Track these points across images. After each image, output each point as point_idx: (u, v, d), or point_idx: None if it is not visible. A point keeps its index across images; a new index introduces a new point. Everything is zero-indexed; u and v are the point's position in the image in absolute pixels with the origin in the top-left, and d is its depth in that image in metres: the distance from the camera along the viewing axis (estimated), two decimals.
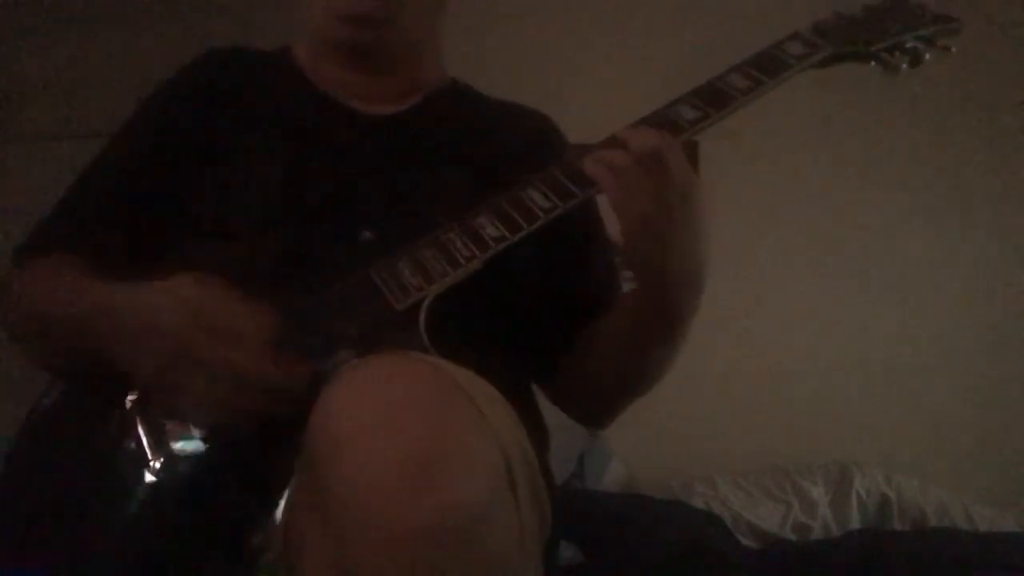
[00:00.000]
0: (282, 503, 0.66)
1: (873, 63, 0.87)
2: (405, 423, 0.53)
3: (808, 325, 2.49)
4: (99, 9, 2.80)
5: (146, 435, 0.73)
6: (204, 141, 0.90)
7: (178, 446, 0.72)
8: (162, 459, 0.72)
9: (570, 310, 0.95)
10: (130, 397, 0.75)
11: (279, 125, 0.92)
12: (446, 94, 1.00)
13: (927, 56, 0.87)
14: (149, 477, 0.71)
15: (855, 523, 2.14)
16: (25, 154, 2.76)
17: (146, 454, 0.72)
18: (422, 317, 0.75)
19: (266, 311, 0.72)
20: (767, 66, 0.83)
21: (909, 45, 0.87)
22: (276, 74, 0.97)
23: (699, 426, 2.32)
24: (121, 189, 0.92)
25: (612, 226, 1.00)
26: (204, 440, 0.72)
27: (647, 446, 2.28)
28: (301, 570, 0.60)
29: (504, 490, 0.55)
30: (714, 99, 0.81)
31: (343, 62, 0.95)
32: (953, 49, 0.87)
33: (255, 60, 1.00)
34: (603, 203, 0.98)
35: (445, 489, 0.51)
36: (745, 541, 2.03)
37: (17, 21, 2.82)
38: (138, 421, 0.74)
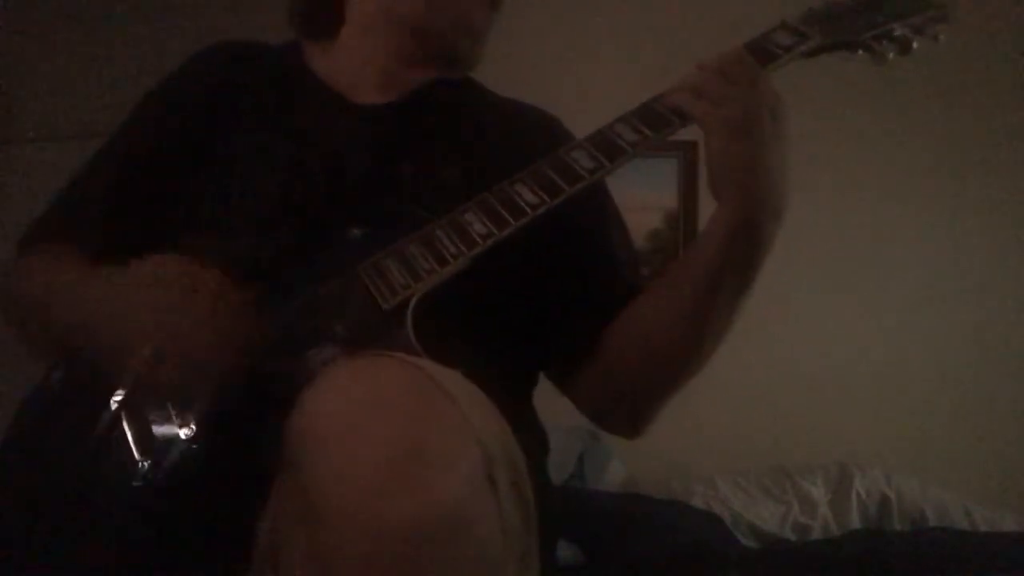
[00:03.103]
0: (265, 501, 0.66)
1: (861, 52, 0.87)
2: (383, 422, 0.54)
3: (808, 325, 2.49)
4: (100, 9, 2.80)
5: (132, 434, 0.73)
6: (206, 135, 0.90)
7: (162, 443, 0.71)
8: (149, 459, 0.71)
9: (595, 301, 0.92)
10: (116, 397, 0.74)
11: (281, 120, 0.91)
12: (450, 86, 0.98)
13: (915, 44, 0.87)
14: (135, 477, 0.71)
15: (855, 523, 2.14)
16: (25, 154, 2.76)
17: (132, 454, 0.72)
18: (409, 315, 0.74)
19: (231, 283, 0.73)
20: (756, 56, 0.83)
21: (897, 33, 0.86)
22: (281, 69, 0.97)
23: (699, 426, 2.32)
24: (122, 182, 0.92)
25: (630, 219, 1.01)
26: (191, 440, 0.71)
27: (647, 446, 2.27)
28: (283, 567, 0.60)
29: (484, 489, 0.55)
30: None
31: (419, 58, 0.95)
32: (941, 37, 0.87)
33: (260, 54, 0.99)
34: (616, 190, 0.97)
35: (422, 487, 0.51)
36: (745, 541, 2.03)
37: (18, 21, 2.82)
38: (124, 420, 0.73)
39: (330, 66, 0.96)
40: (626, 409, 0.94)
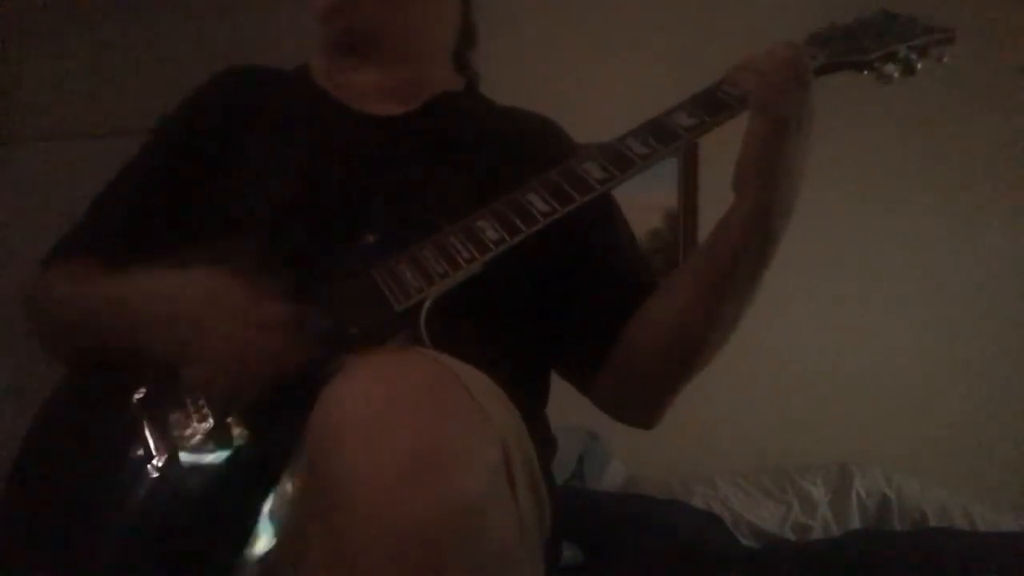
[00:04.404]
0: (284, 498, 0.66)
1: (866, 72, 0.89)
2: (405, 416, 0.54)
3: (808, 325, 2.49)
4: (100, 10, 2.81)
5: (151, 433, 0.74)
6: (223, 151, 0.93)
7: (182, 444, 0.72)
8: (166, 457, 0.72)
9: (615, 298, 0.93)
10: (136, 395, 0.76)
11: (294, 133, 0.94)
12: (455, 97, 1.00)
13: (920, 66, 0.89)
14: (153, 475, 0.72)
15: (855, 523, 2.14)
16: (25, 154, 2.76)
17: (151, 452, 0.73)
18: (422, 318, 0.75)
19: (277, 295, 0.75)
20: None
21: (902, 55, 0.88)
22: (293, 88, 1.00)
23: (699, 426, 2.32)
24: (144, 198, 0.95)
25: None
26: (208, 437, 0.72)
27: (647, 446, 2.28)
28: (303, 564, 0.61)
29: (502, 484, 0.56)
30: (711, 106, 0.83)
31: (343, 60, 0.98)
32: (945, 59, 0.89)
33: (272, 76, 1.02)
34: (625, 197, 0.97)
35: (443, 482, 0.51)
36: (745, 541, 2.03)
37: (18, 22, 2.83)
38: (144, 419, 0.75)
39: (335, 81, 0.99)
40: (642, 400, 0.95)
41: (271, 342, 0.72)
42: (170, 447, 0.73)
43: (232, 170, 0.91)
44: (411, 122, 0.95)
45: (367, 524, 0.51)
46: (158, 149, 0.99)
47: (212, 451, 0.72)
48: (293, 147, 0.92)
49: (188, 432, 0.73)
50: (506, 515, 0.55)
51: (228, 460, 0.71)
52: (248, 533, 0.67)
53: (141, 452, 0.73)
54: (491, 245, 0.78)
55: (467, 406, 0.56)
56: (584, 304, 0.94)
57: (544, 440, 0.90)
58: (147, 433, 0.74)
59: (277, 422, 0.70)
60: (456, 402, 0.56)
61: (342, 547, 0.53)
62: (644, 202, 2.46)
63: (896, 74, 0.88)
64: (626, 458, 2.36)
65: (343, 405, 0.56)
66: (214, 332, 0.72)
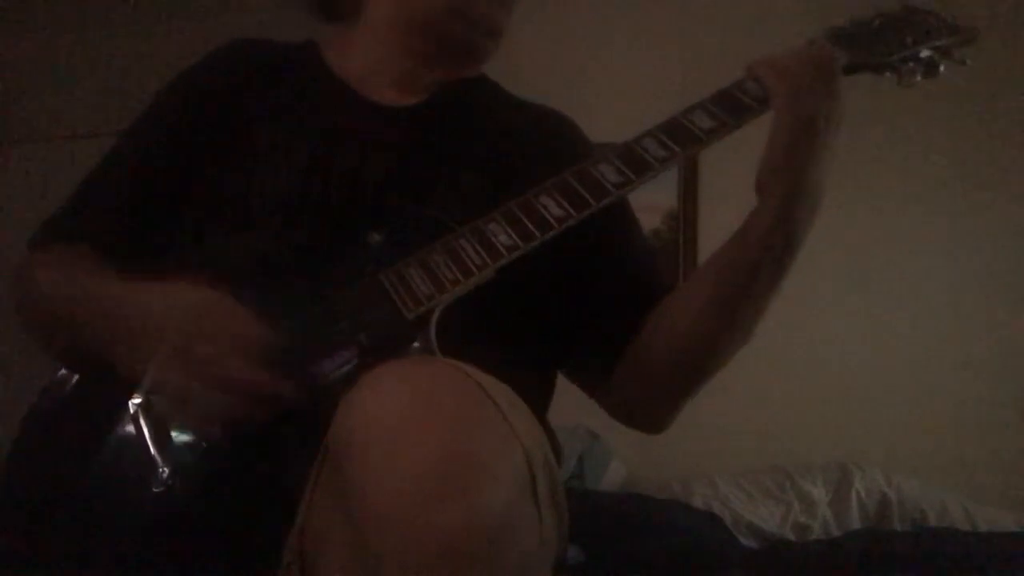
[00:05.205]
0: (294, 507, 0.65)
1: (888, 73, 0.87)
2: (431, 427, 0.53)
3: (808, 325, 2.48)
4: (100, 9, 2.80)
5: (150, 438, 0.72)
6: (224, 131, 0.89)
7: (182, 450, 0.71)
8: (165, 463, 0.71)
9: (631, 301, 0.91)
10: (133, 401, 0.74)
11: (299, 117, 0.90)
12: (468, 87, 0.97)
13: (942, 68, 0.86)
14: (152, 481, 0.70)
15: (855, 523, 2.13)
16: (25, 154, 2.76)
17: (150, 457, 0.71)
18: (432, 326, 0.74)
19: (264, 321, 0.72)
20: None
21: (924, 56, 0.86)
22: (298, 65, 0.96)
23: (699, 426, 2.30)
24: (138, 178, 0.91)
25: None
26: (208, 445, 0.71)
27: (647, 446, 2.28)
28: (321, 570, 0.60)
29: (527, 495, 0.55)
30: (732, 107, 0.81)
31: (437, 58, 0.94)
32: (968, 62, 0.86)
33: (277, 51, 0.98)
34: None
35: (471, 493, 0.51)
36: (745, 541, 2.03)
37: (18, 21, 2.82)
38: (142, 423, 0.73)
39: (347, 64, 0.95)
40: (655, 405, 0.94)
41: (244, 371, 0.69)
42: (169, 453, 0.71)
43: (231, 156, 0.88)
44: (422, 113, 0.92)
45: (391, 536, 0.51)
46: (155, 124, 0.94)
47: (211, 459, 0.70)
48: (297, 135, 0.88)
49: (187, 439, 0.71)
50: (530, 530, 0.55)
51: (229, 468, 0.70)
52: (255, 539, 0.66)
53: (139, 458, 0.71)
54: (503, 251, 0.76)
55: (494, 418, 0.55)
56: (596, 305, 0.91)
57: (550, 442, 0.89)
58: (146, 438, 0.72)
59: (276, 431, 0.69)
60: (483, 414, 0.55)
61: (366, 554, 0.53)
62: (644, 202, 2.43)
63: (918, 76, 0.86)
64: (626, 458, 2.36)
65: (368, 413, 0.55)
66: (189, 352, 0.69)
